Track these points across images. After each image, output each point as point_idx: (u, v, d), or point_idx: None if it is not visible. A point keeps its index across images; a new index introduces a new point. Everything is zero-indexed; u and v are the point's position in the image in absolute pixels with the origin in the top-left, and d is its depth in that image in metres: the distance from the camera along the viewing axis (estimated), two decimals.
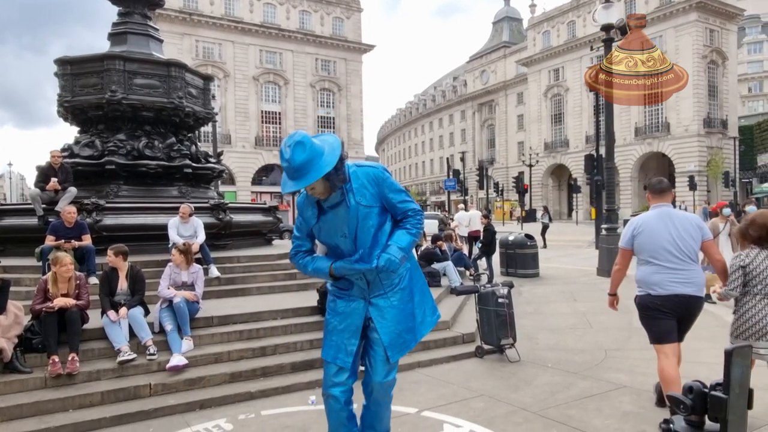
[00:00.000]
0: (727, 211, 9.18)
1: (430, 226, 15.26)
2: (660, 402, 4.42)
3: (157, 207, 8.66)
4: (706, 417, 0.96)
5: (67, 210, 6.96)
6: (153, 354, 5.20)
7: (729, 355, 0.93)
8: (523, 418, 4.35)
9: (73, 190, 8.08)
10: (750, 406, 0.95)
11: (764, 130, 48.64)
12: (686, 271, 4.07)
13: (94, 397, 4.70)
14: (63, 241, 6.69)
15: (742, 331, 3.96)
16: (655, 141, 47.79)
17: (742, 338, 3.93)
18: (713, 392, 0.93)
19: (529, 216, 43.35)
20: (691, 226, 4.15)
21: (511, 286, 6.50)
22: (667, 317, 4.08)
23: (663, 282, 4.07)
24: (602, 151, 17.35)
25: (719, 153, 45.38)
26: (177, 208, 7.87)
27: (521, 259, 12.48)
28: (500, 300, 6.13)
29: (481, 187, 48.88)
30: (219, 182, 15.41)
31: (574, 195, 45.22)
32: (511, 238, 13.12)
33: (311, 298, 6.84)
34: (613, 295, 4.63)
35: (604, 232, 12.99)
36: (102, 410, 4.58)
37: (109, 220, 8.01)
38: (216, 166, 10.91)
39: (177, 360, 5.13)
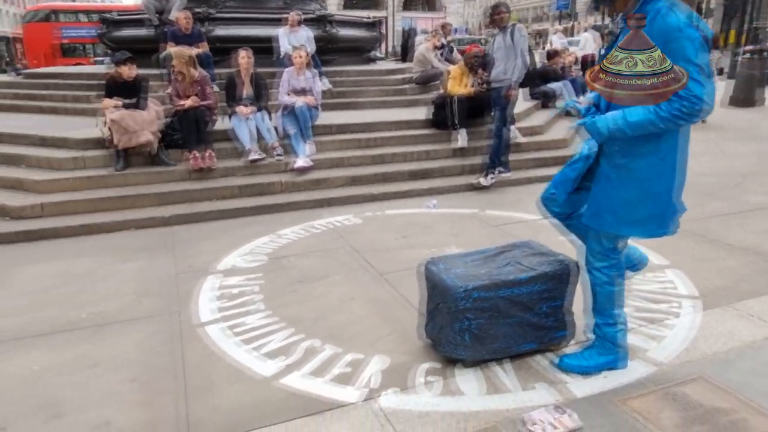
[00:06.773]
0: None
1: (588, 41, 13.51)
2: None
3: (263, 18, 8.43)
4: None
5: (182, 16, 6.94)
6: (280, 155, 5.43)
7: None
8: None
9: None
10: None
11: None
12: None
13: (233, 190, 5.09)
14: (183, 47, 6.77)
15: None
16: None
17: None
18: None
19: None
20: None
21: None
22: None
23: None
24: None
25: None
26: (281, 20, 7.68)
27: None
28: None
29: (595, 10, 43.24)
30: None
31: (705, 20, 39.42)
32: None
33: (422, 113, 6.68)
34: None
35: (747, 54, 11.31)
36: (240, 201, 4.98)
37: (221, 31, 7.95)
38: None
39: (303, 161, 5.33)
